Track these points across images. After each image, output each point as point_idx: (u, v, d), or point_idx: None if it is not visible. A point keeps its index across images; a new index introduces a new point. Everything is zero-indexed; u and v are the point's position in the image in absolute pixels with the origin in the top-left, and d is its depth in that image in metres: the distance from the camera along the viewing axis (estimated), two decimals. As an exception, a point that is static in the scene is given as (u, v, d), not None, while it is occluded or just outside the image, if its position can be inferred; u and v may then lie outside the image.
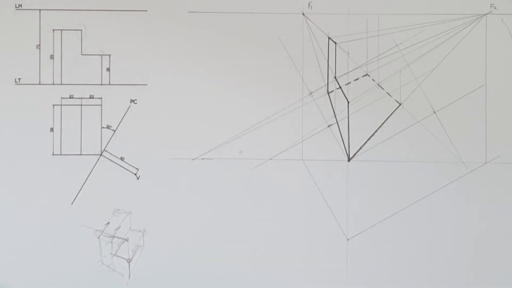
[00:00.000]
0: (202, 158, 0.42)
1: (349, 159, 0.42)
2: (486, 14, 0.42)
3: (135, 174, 0.42)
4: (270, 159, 0.42)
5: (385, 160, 0.42)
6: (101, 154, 0.43)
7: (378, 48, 0.42)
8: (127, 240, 0.42)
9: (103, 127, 0.43)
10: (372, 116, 0.42)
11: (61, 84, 0.42)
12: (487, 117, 0.42)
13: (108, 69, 0.43)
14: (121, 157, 0.43)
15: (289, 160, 0.42)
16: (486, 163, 0.41)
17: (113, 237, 0.42)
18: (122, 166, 0.43)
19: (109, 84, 0.43)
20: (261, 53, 0.42)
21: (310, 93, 0.42)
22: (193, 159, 0.42)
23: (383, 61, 0.42)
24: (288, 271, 0.42)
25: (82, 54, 0.42)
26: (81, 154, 0.43)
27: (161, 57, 0.43)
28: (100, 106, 0.43)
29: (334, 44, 0.42)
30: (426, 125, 0.42)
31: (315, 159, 0.42)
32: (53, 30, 0.42)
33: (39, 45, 0.42)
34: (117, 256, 0.42)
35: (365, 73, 0.42)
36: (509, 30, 0.42)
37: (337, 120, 0.42)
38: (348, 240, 0.42)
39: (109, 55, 0.42)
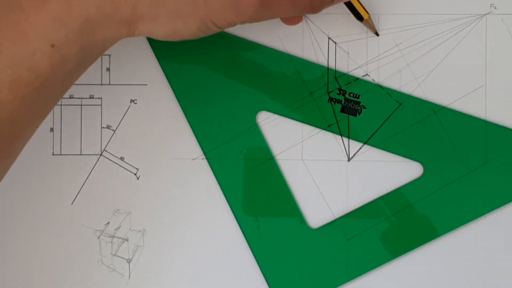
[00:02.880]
0: (202, 158, 0.42)
1: (349, 159, 0.42)
2: (486, 14, 0.42)
3: (135, 174, 0.43)
4: (270, 159, 0.42)
5: (385, 160, 0.42)
6: (101, 154, 0.43)
7: (378, 48, 0.42)
8: (127, 240, 0.42)
9: (103, 127, 0.43)
10: (372, 116, 0.42)
11: (61, 84, 0.42)
12: (487, 117, 0.42)
13: (108, 69, 0.43)
14: (121, 157, 0.43)
15: (289, 160, 0.42)
16: (486, 163, 0.41)
17: (113, 237, 0.42)
18: (122, 166, 0.43)
19: (109, 84, 0.43)
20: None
21: (310, 93, 0.42)
22: (193, 159, 0.42)
23: (383, 61, 0.42)
24: (288, 271, 0.42)
25: (82, 54, 0.42)
26: (81, 154, 0.43)
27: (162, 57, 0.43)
28: (100, 106, 0.43)
29: (334, 44, 0.42)
30: (426, 125, 0.42)
31: (315, 159, 0.42)
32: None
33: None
34: (117, 256, 0.42)
35: (365, 73, 0.42)
36: (509, 30, 0.42)
37: (337, 120, 0.42)
38: (348, 240, 0.42)
39: (109, 55, 0.42)
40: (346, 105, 0.42)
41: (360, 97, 0.42)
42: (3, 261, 0.42)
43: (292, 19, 0.40)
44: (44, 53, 0.31)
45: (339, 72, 0.42)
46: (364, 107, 0.42)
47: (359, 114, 0.42)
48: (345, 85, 0.42)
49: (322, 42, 0.42)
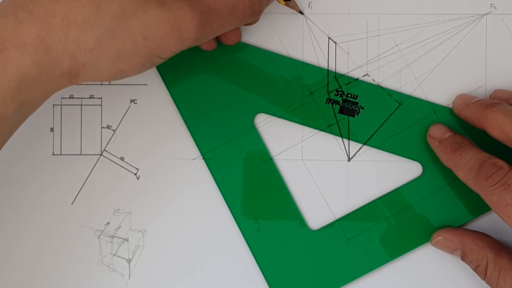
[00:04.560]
0: (202, 158, 0.42)
1: (349, 159, 0.42)
2: (486, 14, 0.42)
3: (135, 174, 0.43)
4: (270, 159, 0.42)
5: (385, 160, 0.42)
6: (101, 154, 0.43)
7: (378, 48, 0.42)
8: (127, 240, 0.42)
9: (103, 127, 0.43)
10: (372, 116, 0.42)
11: (61, 84, 0.42)
12: (487, 117, 0.41)
13: (108, 69, 0.43)
14: (121, 157, 0.43)
15: (289, 160, 0.42)
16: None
17: (113, 237, 0.42)
18: (122, 166, 0.43)
19: (109, 84, 0.43)
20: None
21: (310, 93, 0.42)
22: (193, 159, 0.42)
23: (383, 61, 0.42)
24: (288, 271, 0.42)
25: (82, 54, 0.42)
26: (81, 154, 0.43)
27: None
28: (100, 106, 0.43)
29: (334, 44, 0.42)
30: (426, 125, 0.42)
31: (315, 159, 0.42)
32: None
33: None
34: (117, 256, 0.42)
35: (365, 73, 0.42)
36: (509, 30, 0.42)
37: (337, 120, 0.42)
38: (348, 240, 0.42)
39: (109, 55, 0.42)
40: (344, 106, 0.42)
41: (358, 97, 0.42)
42: (3, 261, 0.42)
43: (230, 36, 0.39)
44: None
45: (339, 73, 0.42)
46: (362, 108, 0.42)
47: (357, 114, 0.42)
48: (345, 85, 0.42)
49: (322, 42, 0.42)
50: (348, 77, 0.42)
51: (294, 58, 0.42)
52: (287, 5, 0.41)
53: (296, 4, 0.41)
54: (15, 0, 0.31)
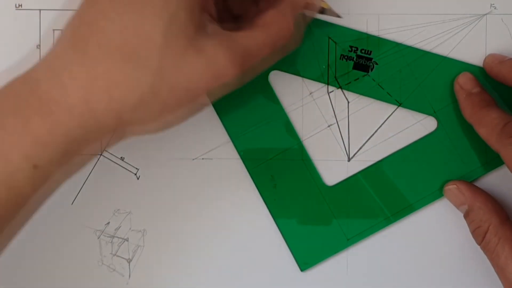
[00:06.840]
0: (202, 158, 0.42)
1: (349, 159, 0.42)
2: (486, 14, 0.42)
3: (135, 174, 0.43)
4: (271, 159, 0.42)
5: (385, 160, 0.42)
6: (101, 154, 0.43)
7: (378, 47, 0.42)
8: (127, 240, 0.42)
9: (103, 127, 0.43)
10: (372, 116, 0.42)
11: (61, 84, 0.42)
12: (487, 117, 0.41)
13: (108, 69, 0.43)
14: (121, 157, 0.43)
15: (288, 160, 0.42)
16: (486, 163, 0.41)
17: (113, 237, 0.42)
18: (122, 166, 0.43)
19: (109, 84, 0.43)
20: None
21: (310, 93, 0.42)
22: (193, 159, 0.42)
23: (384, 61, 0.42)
24: (289, 270, 0.42)
25: (82, 54, 0.42)
26: (81, 154, 0.43)
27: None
28: (100, 106, 0.43)
29: (334, 43, 0.42)
30: (426, 125, 0.42)
31: (315, 159, 0.42)
32: (53, 30, 0.42)
33: (39, 45, 0.42)
34: (117, 256, 0.42)
35: (365, 73, 0.42)
36: (509, 30, 0.42)
37: (337, 120, 0.42)
38: (348, 240, 0.42)
39: (109, 55, 0.42)
40: (358, 62, 0.41)
41: (372, 53, 0.41)
42: (3, 261, 0.42)
43: None
44: (26, 175, 0.30)
45: (339, 72, 0.42)
46: (376, 63, 0.41)
47: (371, 70, 0.41)
48: (345, 85, 0.42)
49: (322, 42, 0.42)
50: (348, 77, 0.42)
51: (294, 57, 0.42)
52: (324, 13, 0.40)
53: (333, 10, 0.40)
54: (55, 62, 0.31)
